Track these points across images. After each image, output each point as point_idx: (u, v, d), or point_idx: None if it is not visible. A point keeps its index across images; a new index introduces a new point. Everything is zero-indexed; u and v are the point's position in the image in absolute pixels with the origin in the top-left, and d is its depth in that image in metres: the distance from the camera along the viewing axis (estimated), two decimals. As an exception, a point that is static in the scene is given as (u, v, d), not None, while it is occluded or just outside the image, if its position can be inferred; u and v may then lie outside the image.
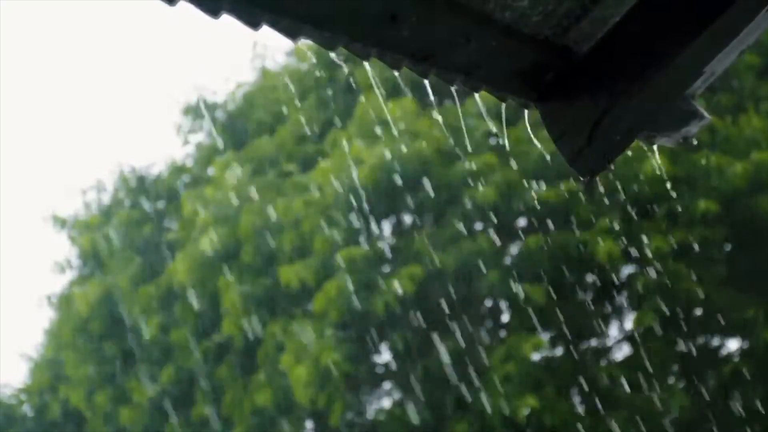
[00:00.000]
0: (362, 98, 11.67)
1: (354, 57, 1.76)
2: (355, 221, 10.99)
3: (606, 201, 10.61)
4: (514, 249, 11.24)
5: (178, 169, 14.80)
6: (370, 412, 12.06)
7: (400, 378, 11.57)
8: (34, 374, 15.36)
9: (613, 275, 11.38)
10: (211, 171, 13.57)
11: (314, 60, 12.85)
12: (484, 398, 10.38)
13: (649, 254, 10.44)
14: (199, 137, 14.78)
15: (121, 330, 13.49)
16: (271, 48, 14.39)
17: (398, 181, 10.65)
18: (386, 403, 11.97)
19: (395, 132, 11.00)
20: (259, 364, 11.65)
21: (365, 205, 10.85)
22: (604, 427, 10.62)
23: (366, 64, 1.79)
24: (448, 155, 10.92)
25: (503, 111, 2.13)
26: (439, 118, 11.17)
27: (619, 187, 10.40)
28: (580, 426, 10.64)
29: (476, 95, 2.01)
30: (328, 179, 11.13)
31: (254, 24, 1.57)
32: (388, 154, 10.72)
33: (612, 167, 2.10)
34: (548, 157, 10.01)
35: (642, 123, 2.09)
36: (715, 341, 11.66)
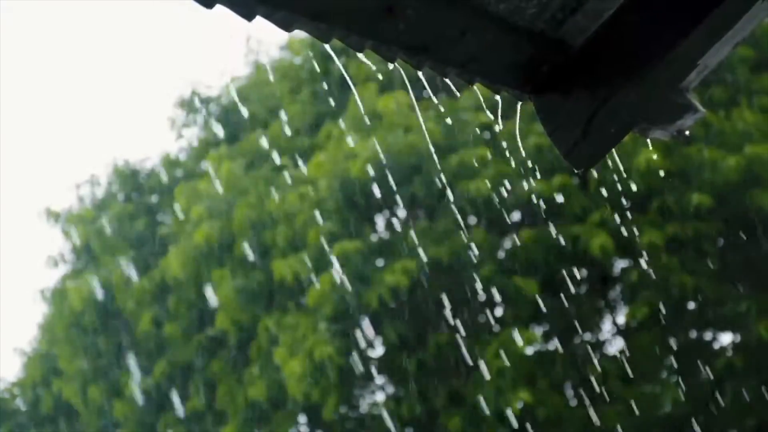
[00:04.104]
0: (356, 92, 11.66)
1: (348, 50, 1.76)
2: (349, 215, 10.99)
3: (599, 195, 10.62)
4: (507, 243, 11.25)
5: (171, 163, 14.79)
6: (364, 406, 12.07)
7: (393, 372, 11.58)
8: (28, 368, 15.35)
9: (606, 269, 11.40)
10: (204, 165, 13.56)
11: (308, 53, 12.85)
12: (477, 392, 10.40)
13: (643, 248, 10.46)
14: (193, 131, 14.77)
15: (114, 324, 13.48)
16: (265, 42, 14.40)
17: (392, 174, 10.65)
18: (380, 396, 11.98)
19: (389, 126, 11.01)
20: (253, 358, 11.66)
21: (359, 199, 10.86)
22: (597, 420, 10.64)
23: (361, 56, 1.79)
24: (441, 149, 10.92)
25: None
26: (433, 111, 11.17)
27: (613, 180, 10.41)
28: (573, 420, 10.66)
29: (473, 88, 2.01)
30: (322, 173, 11.13)
31: (248, 15, 1.57)
32: (381, 148, 10.71)
33: (606, 160, 2.10)
34: (542, 151, 10.03)
35: (636, 116, 2.09)
36: (708, 335, 11.69)
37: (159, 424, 12.83)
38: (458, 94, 10.61)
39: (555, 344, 11.56)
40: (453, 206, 10.78)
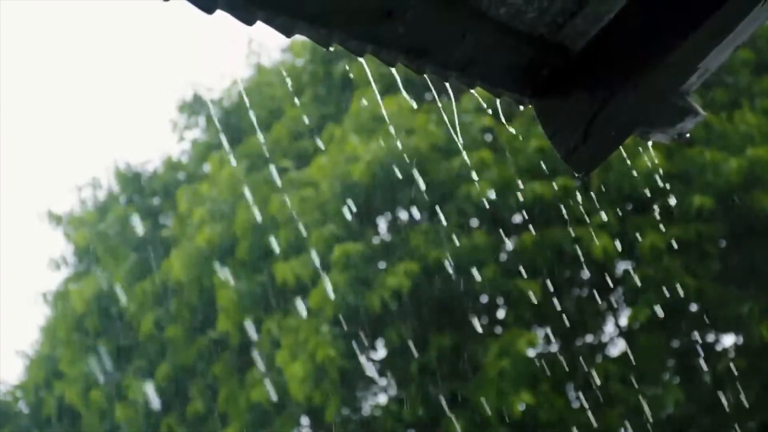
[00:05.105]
0: (358, 94, 11.67)
1: (350, 53, 1.76)
2: (351, 217, 10.99)
3: (601, 197, 10.62)
4: (509, 245, 11.25)
5: (173, 166, 14.79)
6: (366, 409, 12.06)
7: (395, 374, 11.58)
8: (30, 371, 15.36)
9: (609, 271, 11.39)
10: (206, 167, 13.56)
11: (309, 56, 12.85)
12: (479, 394, 10.39)
13: (644, 250, 10.46)
14: (195, 134, 14.77)
15: (116, 327, 13.48)
16: (267, 45, 14.41)
17: (394, 176, 10.65)
18: (382, 399, 11.98)
19: (391, 128, 11.00)
20: (255, 361, 11.66)
21: (361, 201, 10.86)
22: (599, 422, 10.64)
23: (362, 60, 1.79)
24: (443, 151, 10.92)
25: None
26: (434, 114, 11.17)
27: (614, 183, 10.42)
28: (575, 422, 10.66)
29: (473, 91, 2.01)
30: (324, 175, 11.13)
31: (249, 20, 1.57)
32: (383, 150, 10.72)
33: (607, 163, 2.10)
34: (544, 153, 10.03)
35: (637, 119, 2.09)
36: (711, 337, 11.68)
37: (161, 426, 12.82)
38: (455, 98, 10.61)
39: (557, 346, 11.56)
40: (455, 209, 10.77)
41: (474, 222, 11.18)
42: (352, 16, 1.66)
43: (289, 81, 13.27)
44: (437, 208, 10.89)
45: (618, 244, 10.48)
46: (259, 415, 11.75)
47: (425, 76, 1.89)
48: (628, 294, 11.39)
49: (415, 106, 11.31)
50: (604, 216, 10.50)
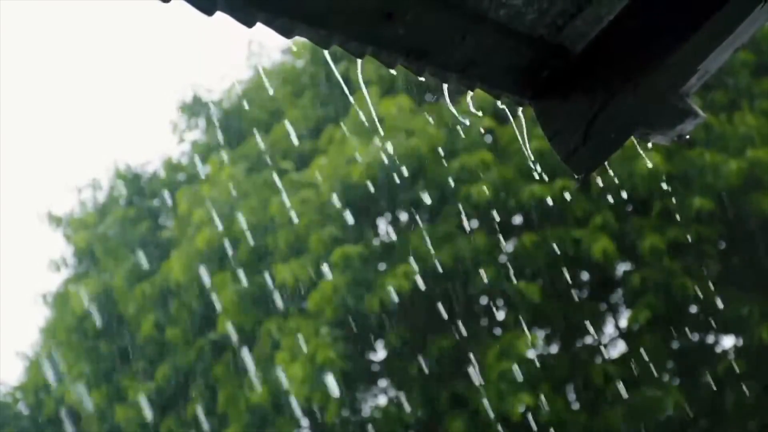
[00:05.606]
0: (357, 96, 11.66)
1: (349, 54, 1.76)
2: (351, 219, 10.98)
3: (601, 198, 10.61)
4: (509, 246, 11.24)
5: (173, 167, 14.78)
6: (366, 410, 12.06)
7: (395, 375, 11.57)
8: (30, 372, 15.35)
9: (609, 273, 11.39)
10: (206, 169, 13.55)
11: (309, 57, 12.84)
12: (479, 396, 10.39)
13: (644, 252, 10.45)
14: (195, 135, 14.76)
15: (116, 328, 13.47)
16: (267, 46, 14.40)
17: (393, 178, 10.64)
18: (382, 400, 11.97)
19: (391, 129, 11.00)
20: (255, 362, 11.65)
21: (360, 203, 10.86)
22: (599, 424, 10.63)
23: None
24: (443, 152, 10.91)
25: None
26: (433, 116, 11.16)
27: (615, 184, 10.41)
28: (575, 423, 10.66)
29: (472, 93, 2.01)
30: (324, 177, 11.12)
31: (249, 22, 1.57)
32: (382, 152, 10.71)
33: (607, 165, 2.10)
34: (543, 154, 10.01)
35: (637, 121, 2.09)
36: (710, 338, 11.68)
37: (161, 427, 12.81)
38: (454, 99, 10.59)
39: (557, 348, 11.56)
40: (454, 210, 10.77)
41: (474, 223, 11.18)
42: (352, 17, 1.66)
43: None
44: (437, 209, 10.88)
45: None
46: (258, 416, 11.74)
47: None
48: (628, 295, 11.39)
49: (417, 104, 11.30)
50: (603, 218, 10.50)
